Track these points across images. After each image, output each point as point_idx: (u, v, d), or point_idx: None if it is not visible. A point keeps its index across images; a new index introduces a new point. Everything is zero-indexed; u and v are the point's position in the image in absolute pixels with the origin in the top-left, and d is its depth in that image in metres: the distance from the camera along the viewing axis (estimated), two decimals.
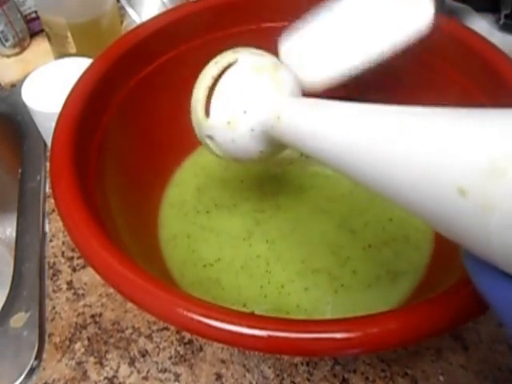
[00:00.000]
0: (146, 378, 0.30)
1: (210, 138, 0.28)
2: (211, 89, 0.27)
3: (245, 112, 0.26)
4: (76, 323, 0.32)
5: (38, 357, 0.31)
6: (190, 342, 0.31)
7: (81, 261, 0.36)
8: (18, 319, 0.32)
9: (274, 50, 0.35)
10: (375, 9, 0.29)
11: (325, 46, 0.30)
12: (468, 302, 0.20)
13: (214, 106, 0.27)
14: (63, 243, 0.37)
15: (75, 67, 0.38)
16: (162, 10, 0.49)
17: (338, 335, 0.19)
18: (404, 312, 0.21)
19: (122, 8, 0.51)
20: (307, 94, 0.29)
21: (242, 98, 0.26)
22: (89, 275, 0.35)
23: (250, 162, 0.29)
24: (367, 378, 0.30)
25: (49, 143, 0.42)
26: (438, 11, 0.29)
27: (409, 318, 0.20)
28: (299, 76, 0.29)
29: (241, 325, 0.19)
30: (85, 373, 0.30)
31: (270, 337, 0.19)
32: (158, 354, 0.31)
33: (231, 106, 0.27)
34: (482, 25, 0.43)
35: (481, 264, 0.15)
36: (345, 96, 0.24)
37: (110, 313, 0.33)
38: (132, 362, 0.31)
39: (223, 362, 0.30)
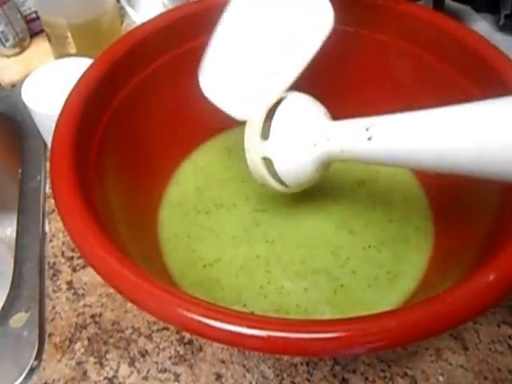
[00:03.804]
0: (145, 378, 0.30)
1: (267, 159, 0.30)
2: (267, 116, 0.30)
3: (315, 144, 0.28)
4: (76, 323, 0.32)
5: (38, 357, 0.31)
6: (190, 342, 0.31)
7: (81, 261, 0.36)
8: (18, 319, 0.32)
9: None
10: (277, 19, 0.30)
11: (244, 76, 0.31)
12: (468, 302, 0.20)
13: (277, 130, 0.29)
14: (63, 243, 0.37)
15: (75, 67, 0.38)
16: (162, 10, 0.49)
17: (338, 335, 0.19)
18: (404, 312, 0.21)
19: (122, 8, 0.51)
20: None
21: (307, 126, 0.29)
22: (89, 275, 0.35)
23: (299, 185, 0.31)
24: (367, 378, 0.30)
25: (49, 143, 0.42)
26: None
27: (409, 318, 0.20)
28: (226, 112, 0.31)
29: (241, 325, 0.19)
30: (85, 373, 0.30)
31: (269, 337, 0.19)
32: (158, 354, 0.31)
33: (295, 131, 0.29)
34: (482, 25, 0.43)
35: None
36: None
37: (110, 313, 0.33)
38: (132, 362, 0.31)
39: (223, 362, 0.30)
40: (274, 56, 0.30)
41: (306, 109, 0.30)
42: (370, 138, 0.26)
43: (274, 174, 0.30)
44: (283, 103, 0.30)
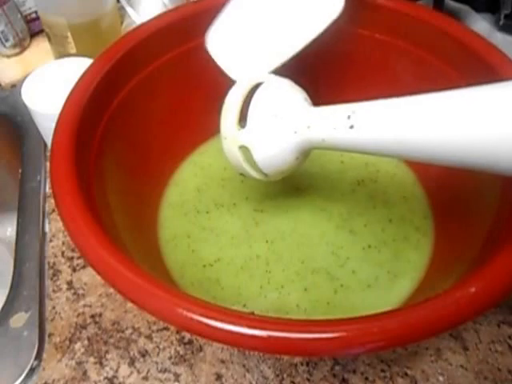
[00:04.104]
0: (145, 378, 0.30)
1: (244, 148, 0.28)
2: (244, 102, 0.28)
3: (295, 132, 0.27)
4: (76, 323, 0.32)
5: (38, 357, 0.31)
6: (190, 342, 0.31)
7: (81, 261, 0.36)
8: (18, 319, 0.32)
9: None
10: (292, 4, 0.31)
11: (248, 43, 0.32)
12: (468, 302, 0.20)
13: (254, 117, 0.28)
14: (63, 243, 0.37)
15: (75, 67, 0.38)
16: (162, 10, 0.49)
17: (338, 335, 0.19)
18: (404, 312, 0.21)
19: (121, 8, 0.51)
20: None
21: (286, 112, 0.27)
22: (89, 275, 0.35)
23: (279, 174, 0.30)
24: (367, 378, 0.30)
25: (49, 143, 0.42)
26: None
27: (409, 318, 0.20)
28: (227, 72, 0.31)
29: (241, 325, 0.19)
30: (85, 373, 0.30)
31: (269, 337, 0.19)
32: (158, 354, 0.31)
33: (273, 118, 0.27)
34: (482, 25, 0.43)
35: None
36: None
37: (110, 313, 0.33)
38: (132, 362, 0.31)
39: (223, 362, 0.30)
40: (278, 29, 0.31)
41: (285, 94, 0.28)
42: (351, 127, 0.24)
43: (253, 163, 0.29)
44: (260, 88, 0.28)
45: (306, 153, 0.29)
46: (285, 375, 0.30)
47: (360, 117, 0.25)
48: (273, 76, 0.29)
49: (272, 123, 0.27)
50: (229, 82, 0.30)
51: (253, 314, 0.30)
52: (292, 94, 0.28)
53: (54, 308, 0.33)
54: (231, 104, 0.28)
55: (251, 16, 0.32)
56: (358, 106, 0.25)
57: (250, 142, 0.28)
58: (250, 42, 0.32)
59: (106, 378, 0.30)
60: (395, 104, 0.24)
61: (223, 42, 0.32)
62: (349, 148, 0.26)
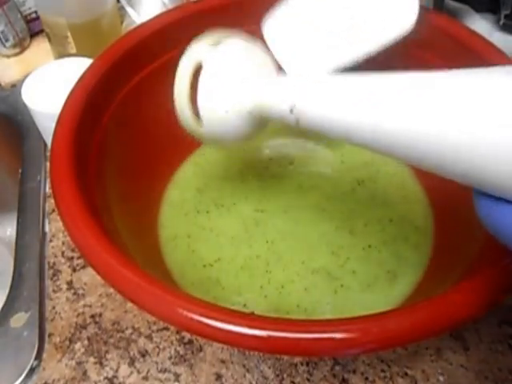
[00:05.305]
0: (145, 378, 0.30)
1: (197, 115, 0.27)
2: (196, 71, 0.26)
3: (240, 107, 0.25)
4: (76, 323, 0.32)
5: (38, 357, 0.31)
6: (190, 342, 0.31)
7: (81, 261, 0.36)
8: (18, 319, 0.32)
9: None
10: (361, 6, 0.29)
11: (310, 39, 0.30)
12: (468, 301, 0.20)
13: (206, 89, 0.26)
14: (63, 243, 0.37)
15: (75, 67, 0.38)
16: (162, 9, 0.49)
17: (338, 335, 0.19)
18: (404, 312, 0.21)
19: (121, 8, 0.51)
20: None
21: (239, 79, 0.25)
22: (89, 275, 0.35)
23: (232, 141, 0.28)
24: (367, 379, 0.30)
25: (49, 143, 0.42)
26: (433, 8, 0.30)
27: (409, 318, 0.20)
28: (283, 67, 0.29)
29: (241, 325, 0.19)
30: (85, 373, 0.30)
31: (269, 337, 0.19)
32: (158, 354, 0.31)
33: (226, 89, 0.25)
34: (481, 25, 0.43)
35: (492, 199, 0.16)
36: None
37: (110, 313, 0.33)
38: (132, 362, 0.31)
39: (223, 361, 0.30)
40: (340, 31, 0.29)
41: (237, 62, 0.25)
42: (297, 121, 0.23)
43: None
44: (209, 56, 0.26)
45: (262, 123, 0.27)
46: (285, 375, 0.30)
47: (302, 111, 0.22)
48: (229, 38, 0.27)
49: (220, 96, 0.25)
50: None
51: (253, 313, 0.30)
52: (245, 62, 0.26)
53: (53, 308, 0.33)
54: (182, 71, 0.27)
55: (316, 11, 0.30)
56: (300, 94, 0.23)
57: (202, 114, 0.26)
58: (309, 37, 0.30)
59: (105, 377, 0.30)
60: (350, 89, 0.21)
61: (282, 33, 0.30)
62: (304, 131, 0.24)
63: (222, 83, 0.26)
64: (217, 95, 0.26)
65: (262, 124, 0.27)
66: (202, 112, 0.26)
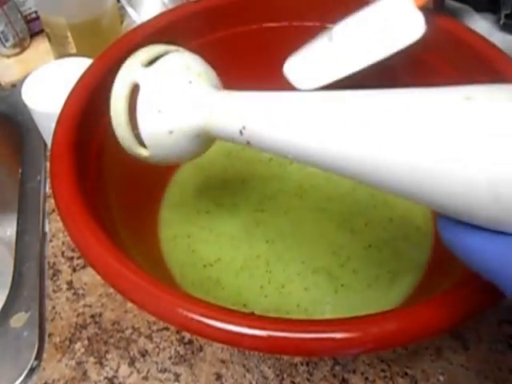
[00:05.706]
0: (145, 378, 0.30)
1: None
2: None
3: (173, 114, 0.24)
4: (76, 323, 0.32)
5: (38, 357, 0.31)
6: (190, 342, 0.31)
7: (81, 261, 0.36)
8: (18, 319, 0.32)
9: (274, 50, 0.35)
10: (371, 26, 0.31)
11: (322, 61, 0.32)
12: (468, 301, 0.20)
13: (145, 111, 0.24)
14: (63, 243, 0.37)
15: (75, 67, 0.38)
16: (162, 9, 0.49)
17: (338, 335, 0.19)
18: (404, 312, 0.21)
19: (122, 8, 0.51)
20: None
21: (168, 101, 0.23)
22: (89, 275, 0.35)
23: (180, 160, 0.26)
24: (367, 378, 0.30)
25: (49, 143, 0.42)
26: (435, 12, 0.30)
27: (409, 318, 0.20)
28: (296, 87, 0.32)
29: (241, 325, 0.19)
30: (85, 373, 0.30)
31: (269, 337, 0.19)
32: (158, 354, 0.31)
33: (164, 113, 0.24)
34: (482, 25, 0.43)
35: (454, 223, 0.16)
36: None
37: (110, 313, 0.33)
38: (132, 362, 0.31)
39: (223, 362, 0.30)
40: (351, 44, 0.31)
41: (175, 81, 0.24)
42: (248, 143, 0.22)
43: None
44: (144, 77, 0.24)
45: (209, 140, 0.25)
46: (285, 375, 0.30)
47: (252, 132, 0.22)
48: (169, 54, 0.25)
49: (160, 115, 0.24)
50: (230, 82, 0.30)
51: (253, 313, 0.30)
52: (185, 78, 0.24)
53: (53, 308, 0.33)
54: (119, 91, 0.25)
55: (330, 46, 0.32)
56: (249, 117, 0.22)
57: (144, 139, 0.24)
58: (320, 53, 0.32)
59: (105, 377, 0.30)
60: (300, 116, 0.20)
61: (301, 66, 0.33)
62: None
63: (161, 104, 0.23)
64: (158, 117, 0.24)
65: (211, 141, 0.26)
66: (144, 135, 0.24)
